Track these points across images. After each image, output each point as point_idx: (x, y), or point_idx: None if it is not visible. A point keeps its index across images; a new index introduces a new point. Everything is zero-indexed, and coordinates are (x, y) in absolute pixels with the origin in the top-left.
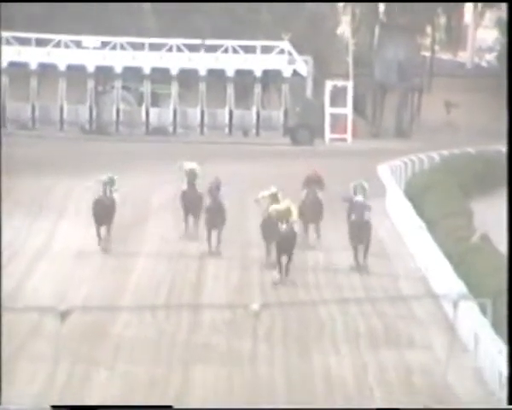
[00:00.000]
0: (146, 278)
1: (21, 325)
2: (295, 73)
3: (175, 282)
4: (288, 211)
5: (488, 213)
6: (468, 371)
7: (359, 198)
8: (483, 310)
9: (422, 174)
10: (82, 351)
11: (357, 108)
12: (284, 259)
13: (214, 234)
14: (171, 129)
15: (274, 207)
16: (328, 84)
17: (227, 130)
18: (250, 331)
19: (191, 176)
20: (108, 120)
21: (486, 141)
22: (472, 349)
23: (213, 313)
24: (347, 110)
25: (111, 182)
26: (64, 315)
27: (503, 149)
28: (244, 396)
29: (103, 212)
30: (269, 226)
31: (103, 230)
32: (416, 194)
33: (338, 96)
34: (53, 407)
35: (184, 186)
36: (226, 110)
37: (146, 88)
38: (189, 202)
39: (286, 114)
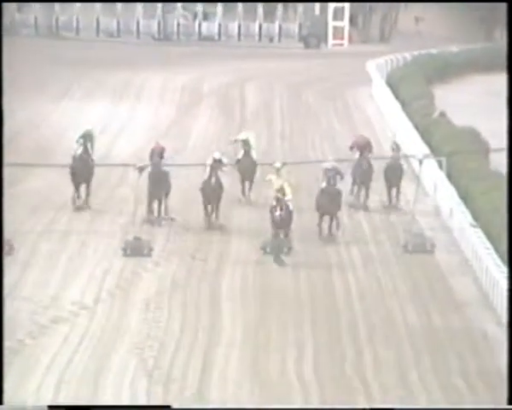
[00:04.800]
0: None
1: (111, 177)
2: None
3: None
4: (281, 190)
5: (445, 96)
6: (429, 209)
7: (330, 164)
8: (440, 166)
9: (398, 68)
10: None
11: (352, 22)
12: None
13: (157, 204)
14: (216, 37)
15: (275, 187)
16: (331, 5)
17: (257, 38)
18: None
19: (246, 145)
20: (172, 30)
21: (443, 44)
22: (432, 194)
23: None
24: (345, 23)
25: (89, 136)
26: (141, 169)
27: (456, 49)
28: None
29: (83, 170)
30: (208, 188)
31: (82, 189)
32: (394, 83)
33: (338, 14)
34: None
35: (240, 155)
36: (257, 23)
37: (199, 8)
38: (244, 169)
39: (300, 26)
